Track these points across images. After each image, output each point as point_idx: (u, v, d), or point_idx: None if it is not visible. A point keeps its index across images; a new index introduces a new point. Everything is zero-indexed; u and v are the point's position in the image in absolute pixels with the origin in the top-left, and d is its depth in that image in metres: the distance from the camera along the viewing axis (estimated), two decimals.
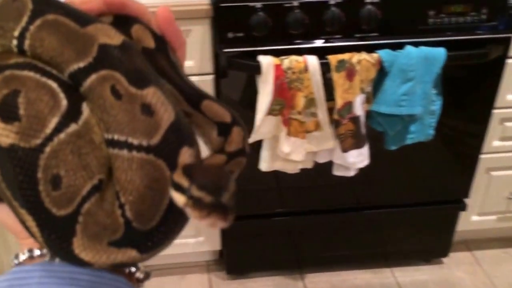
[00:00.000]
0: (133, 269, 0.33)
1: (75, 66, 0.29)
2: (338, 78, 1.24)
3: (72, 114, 0.28)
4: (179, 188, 0.27)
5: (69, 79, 0.29)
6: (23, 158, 0.26)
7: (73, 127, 0.28)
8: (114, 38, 0.29)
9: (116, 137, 0.28)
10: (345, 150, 1.28)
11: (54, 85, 0.28)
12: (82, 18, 0.29)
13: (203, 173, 0.28)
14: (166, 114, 0.28)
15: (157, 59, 0.32)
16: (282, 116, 1.28)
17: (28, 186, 0.26)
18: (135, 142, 0.28)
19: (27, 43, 0.29)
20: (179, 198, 0.27)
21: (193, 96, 0.33)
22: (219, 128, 0.33)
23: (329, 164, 1.38)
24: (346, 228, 1.63)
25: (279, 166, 1.36)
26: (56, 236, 0.27)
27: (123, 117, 0.28)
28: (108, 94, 0.28)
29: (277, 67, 1.23)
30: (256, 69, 1.24)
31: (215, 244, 1.66)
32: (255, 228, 1.59)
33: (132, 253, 0.28)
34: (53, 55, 0.29)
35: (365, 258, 1.70)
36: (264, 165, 1.36)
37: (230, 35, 1.27)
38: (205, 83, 1.37)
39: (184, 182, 0.27)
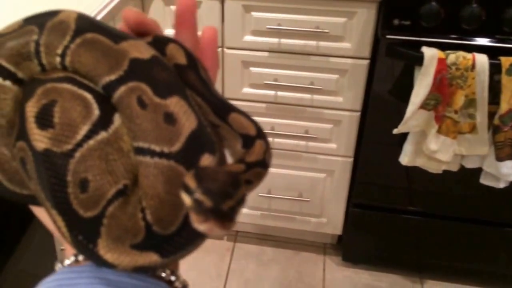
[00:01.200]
0: (172, 277, 0.32)
1: (107, 79, 0.30)
2: (507, 82, 1.15)
3: (102, 123, 0.30)
4: (187, 189, 0.27)
5: (103, 91, 0.31)
6: (55, 162, 0.28)
7: (102, 135, 0.29)
8: (145, 53, 0.31)
9: (140, 144, 0.30)
10: (500, 159, 1.20)
11: (88, 96, 0.30)
12: (117, 36, 0.32)
13: (213, 178, 0.28)
14: (187, 123, 0.30)
15: (187, 74, 0.33)
16: (435, 112, 1.23)
17: (58, 188, 0.28)
18: (157, 149, 0.29)
19: (67, 59, 0.31)
20: (185, 200, 0.27)
21: (221, 108, 0.33)
22: (244, 140, 0.34)
23: (477, 171, 1.30)
24: (479, 241, 1.53)
25: (421, 163, 1.32)
26: (83, 237, 0.28)
27: (147, 125, 0.29)
28: (134, 104, 0.30)
29: (441, 61, 1.18)
30: (418, 60, 1.20)
31: (336, 228, 1.66)
32: (381, 220, 1.57)
33: (153, 257, 0.28)
34: (89, 69, 0.31)
35: (498, 277, 1.58)
36: (405, 159, 1.33)
37: (396, 22, 1.24)
38: (358, 67, 1.36)
39: (192, 184, 0.27)
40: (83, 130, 0.29)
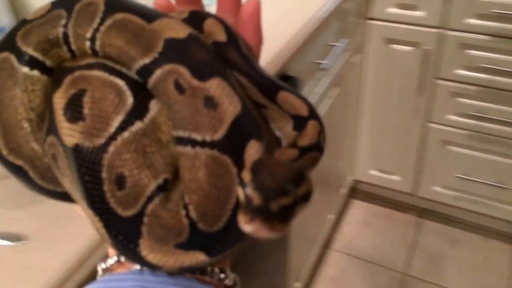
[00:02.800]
0: (222, 275, 0.30)
1: (141, 63, 0.28)
2: None
3: (137, 112, 0.27)
4: (242, 183, 0.25)
5: (137, 76, 0.28)
6: (87, 158, 0.26)
7: (138, 125, 0.27)
8: (180, 31, 0.28)
9: (180, 133, 0.27)
10: None
11: (121, 83, 0.27)
12: (149, 15, 0.29)
13: (271, 171, 0.25)
14: (231, 107, 0.27)
15: (228, 52, 0.30)
16: None
17: (93, 187, 0.26)
18: (198, 137, 0.26)
19: (98, 43, 0.29)
20: (240, 195, 0.25)
21: (268, 87, 0.30)
22: (295, 121, 0.31)
23: None
24: None
25: None
26: (123, 237, 0.26)
27: (186, 112, 0.27)
28: (171, 89, 0.27)
29: None
30: None
31: None
32: None
33: (200, 257, 0.26)
34: (120, 53, 0.28)
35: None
36: None
37: None
38: None
39: (247, 177, 0.25)
40: (116, 121, 0.26)
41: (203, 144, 0.26)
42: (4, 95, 0.29)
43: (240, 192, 0.25)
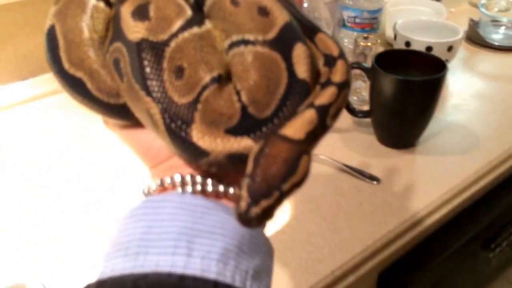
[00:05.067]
0: None
1: None
2: None
3: (196, 20, 0.30)
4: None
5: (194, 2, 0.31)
6: (151, 50, 0.29)
7: (196, 30, 0.30)
8: None
9: (234, 38, 0.30)
10: None
11: (181, 1, 0.31)
12: None
13: (265, 167, 0.26)
14: (281, 15, 0.30)
15: None
16: None
17: (154, 76, 0.28)
18: (251, 38, 0.29)
19: None
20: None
21: (309, 28, 0.33)
22: (326, 59, 0.33)
23: None
24: None
25: None
26: (176, 123, 0.28)
27: (241, 19, 0.30)
28: (227, 4, 0.30)
29: None
30: None
31: None
32: None
33: (248, 142, 0.28)
34: None
35: None
36: None
37: None
38: None
39: (248, 168, 0.27)
40: (178, 24, 0.30)
41: (255, 42, 0.29)
42: (72, 20, 0.32)
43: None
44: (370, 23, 0.94)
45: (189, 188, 0.29)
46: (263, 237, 0.30)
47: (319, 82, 0.31)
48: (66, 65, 0.32)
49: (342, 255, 0.60)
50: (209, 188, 0.29)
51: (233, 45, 0.30)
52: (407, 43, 0.96)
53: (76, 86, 0.32)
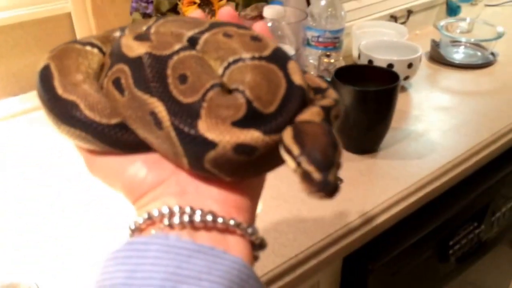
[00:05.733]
0: (249, 229, 0.30)
1: (191, 32, 0.33)
2: None
3: (193, 48, 0.32)
4: (289, 152, 0.28)
5: (187, 42, 0.33)
6: (154, 60, 0.30)
7: (194, 52, 0.32)
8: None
9: (230, 59, 0.31)
10: None
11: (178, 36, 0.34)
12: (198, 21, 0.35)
13: (313, 142, 0.28)
14: (272, 42, 0.33)
15: None
16: None
17: (158, 80, 0.29)
18: (248, 56, 0.31)
19: (153, 30, 0.35)
20: (290, 162, 0.29)
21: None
22: (315, 90, 0.35)
23: None
24: None
25: None
26: (182, 118, 0.28)
27: (235, 45, 0.32)
28: (220, 37, 0.32)
29: None
30: None
31: None
32: None
33: (255, 133, 0.28)
34: (174, 30, 0.34)
35: None
36: None
37: None
38: None
39: (295, 149, 0.28)
40: (177, 46, 0.31)
41: (252, 58, 0.31)
42: (68, 60, 0.34)
43: (289, 159, 0.28)
44: (333, 42, 1.02)
45: (176, 220, 0.28)
46: (255, 281, 0.28)
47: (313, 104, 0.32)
48: (59, 91, 0.32)
49: (305, 240, 0.67)
50: (197, 218, 0.28)
51: (230, 64, 0.31)
52: (370, 61, 1.04)
53: (68, 108, 0.31)
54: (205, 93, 0.29)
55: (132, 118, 0.30)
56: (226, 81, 0.31)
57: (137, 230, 0.29)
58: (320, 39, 1.02)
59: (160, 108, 0.28)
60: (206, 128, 0.28)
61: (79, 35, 0.98)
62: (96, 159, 0.33)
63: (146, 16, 0.97)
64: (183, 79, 0.29)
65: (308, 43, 1.04)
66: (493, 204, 0.98)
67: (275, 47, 0.32)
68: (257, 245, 0.31)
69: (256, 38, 0.32)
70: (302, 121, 0.30)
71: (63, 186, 0.77)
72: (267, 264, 0.63)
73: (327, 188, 0.27)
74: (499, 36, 1.21)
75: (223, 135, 0.27)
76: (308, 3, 1.09)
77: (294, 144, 0.28)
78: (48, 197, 0.75)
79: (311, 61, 1.05)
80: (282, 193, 0.76)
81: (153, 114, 0.29)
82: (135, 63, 0.30)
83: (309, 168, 0.27)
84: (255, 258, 0.31)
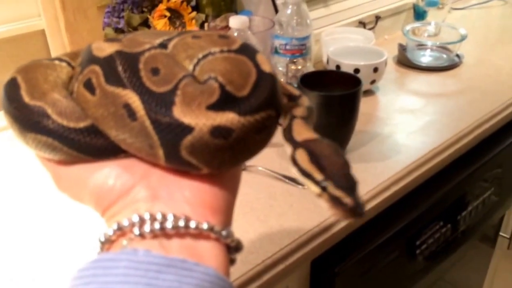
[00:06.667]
0: (223, 232, 0.29)
1: (160, 40, 0.34)
2: None
3: (162, 47, 0.33)
4: (310, 177, 0.30)
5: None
6: (125, 56, 0.30)
7: (164, 50, 0.32)
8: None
9: (200, 55, 0.32)
10: None
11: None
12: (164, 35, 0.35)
13: (331, 165, 0.30)
14: (238, 39, 0.33)
15: None
16: None
17: (131, 74, 0.29)
18: (217, 49, 0.32)
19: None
20: (312, 187, 0.30)
21: None
22: (288, 97, 0.37)
23: None
24: None
25: None
26: (157, 106, 0.28)
27: (204, 44, 0.33)
28: (189, 39, 0.33)
29: None
30: None
31: None
32: None
33: (230, 115, 0.28)
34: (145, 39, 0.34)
35: None
36: None
37: None
38: None
39: (317, 174, 0.29)
40: (147, 45, 0.32)
41: (222, 51, 0.32)
42: (36, 72, 0.34)
43: (314, 187, 0.29)
44: (299, 49, 1.04)
45: (147, 228, 0.27)
46: None
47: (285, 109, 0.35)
48: (26, 99, 0.31)
49: (271, 247, 0.68)
50: (169, 225, 0.27)
51: (199, 60, 0.32)
52: (338, 67, 1.07)
53: (34, 114, 0.31)
54: (178, 82, 0.29)
55: (103, 117, 0.30)
56: (198, 74, 0.31)
57: (107, 242, 0.28)
58: (288, 47, 1.04)
59: (134, 99, 0.28)
60: (181, 114, 0.28)
61: (54, 52, 0.99)
62: (63, 170, 0.32)
63: (118, 30, 0.98)
64: (155, 71, 0.30)
65: (276, 51, 1.06)
66: (459, 203, 1.01)
67: (243, 42, 0.33)
68: (233, 248, 0.30)
69: (224, 36, 0.33)
70: (308, 140, 0.31)
71: (37, 203, 0.77)
72: (234, 272, 0.64)
73: (360, 210, 0.28)
74: (463, 38, 1.24)
75: (199, 119, 0.28)
76: (276, 11, 1.11)
77: (314, 169, 0.29)
78: (23, 215, 0.75)
79: (280, 68, 1.07)
80: (251, 201, 0.77)
81: (127, 106, 0.29)
82: (107, 62, 0.30)
83: (338, 193, 0.28)
84: (231, 261, 0.31)
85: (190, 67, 0.32)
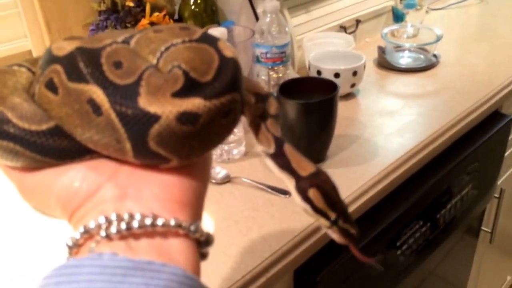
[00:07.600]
0: (192, 227, 0.28)
1: (123, 37, 0.34)
2: None
3: (123, 42, 0.33)
4: (325, 215, 0.37)
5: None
6: (86, 52, 0.30)
7: (126, 45, 0.33)
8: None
9: (162, 48, 0.32)
10: None
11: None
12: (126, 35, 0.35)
13: (337, 203, 0.37)
14: (199, 29, 0.34)
15: None
16: None
17: (93, 68, 0.29)
18: (179, 40, 0.32)
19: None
20: (324, 223, 0.37)
21: None
22: (256, 97, 0.38)
23: None
24: None
25: None
26: (122, 98, 0.28)
27: (166, 36, 0.33)
28: (151, 34, 0.33)
29: None
30: None
31: None
32: None
33: (196, 100, 0.29)
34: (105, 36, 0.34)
35: None
36: None
37: None
38: None
39: (332, 214, 0.37)
40: (108, 40, 0.32)
41: (183, 42, 0.32)
42: None
43: (325, 222, 0.37)
44: (280, 57, 1.07)
45: (113, 229, 0.27)
46: None
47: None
48: None
49: (252, 261, 0.70)
50: (135, 224, 0.27)
51: (162, 53, 0.32)
52: (318, 72, 1.10)
53: None
54: (142, 73, 0.29)
55: (68, 116, 0.30)
56: (161, 66, 0.31)
57: (75, 246, 0.28)
58: (268, 55, 1.07)
59: (98, 93, 0.28)
60: (147, 103, 0.28)
61: None
62: (27, 178, 0.31)
63: None
64: (118, 65, 0.30)
65: (258, 60, 1.09)
66: (438, 201, 1.04)
67: (204, 32, 0.33)
68: (203, 242, 0.30)
69: (185, 28, 0.34)
70: (314, 175, 0.37)
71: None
72: None
73: (357, 237, 0.37)
74: (438, 39, 1.28)
75: (165, 107, 0.28)
76: (258, 20, 1.14)
77: (328, 210, 0.37)
78: None
79: (262, 77, 1.10)
80: (234, 213, 0.79)
81: (91, 101, 0.28)
82: (67, 59, 0.30)
83: (346, 226, 0.37)
84: (203, 256, 0.30)
85: (154, 61, 0.32)
